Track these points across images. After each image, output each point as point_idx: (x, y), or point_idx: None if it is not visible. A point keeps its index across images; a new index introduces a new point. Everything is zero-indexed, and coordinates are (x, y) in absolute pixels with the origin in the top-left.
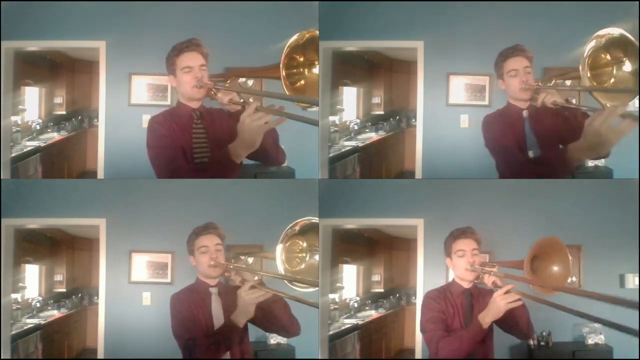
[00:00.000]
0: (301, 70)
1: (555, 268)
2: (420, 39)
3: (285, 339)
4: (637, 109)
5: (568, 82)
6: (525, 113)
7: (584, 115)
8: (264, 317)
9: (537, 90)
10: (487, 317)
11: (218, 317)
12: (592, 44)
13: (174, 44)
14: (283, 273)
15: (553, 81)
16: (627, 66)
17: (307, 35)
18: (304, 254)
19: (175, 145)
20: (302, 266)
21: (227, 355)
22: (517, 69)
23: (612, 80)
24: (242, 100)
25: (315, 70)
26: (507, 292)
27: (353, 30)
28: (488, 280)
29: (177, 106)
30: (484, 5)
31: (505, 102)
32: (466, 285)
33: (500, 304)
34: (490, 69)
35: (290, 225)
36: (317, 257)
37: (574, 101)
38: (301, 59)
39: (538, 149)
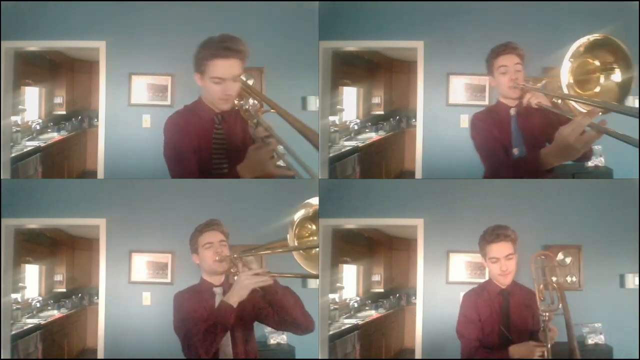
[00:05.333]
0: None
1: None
2: (420, 39)
3: (285, 339)
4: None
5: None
6: (513, 111)
7: (567, 118)
8: (275, 313)
9: (526, 89)
10: None
11: None
12: (574, 49)
13: (173, 43)
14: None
15: (544, 81)
16: (617, 75)
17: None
18: (314, 237)
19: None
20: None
21: (230, 353)
22: (507, 65)
23: (598, 89)
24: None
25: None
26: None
27: (353, 30)
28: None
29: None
30: (484, 5)
31: None
32: (502, 285)
33: None
34: None
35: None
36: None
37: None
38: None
39: (524, 147)
